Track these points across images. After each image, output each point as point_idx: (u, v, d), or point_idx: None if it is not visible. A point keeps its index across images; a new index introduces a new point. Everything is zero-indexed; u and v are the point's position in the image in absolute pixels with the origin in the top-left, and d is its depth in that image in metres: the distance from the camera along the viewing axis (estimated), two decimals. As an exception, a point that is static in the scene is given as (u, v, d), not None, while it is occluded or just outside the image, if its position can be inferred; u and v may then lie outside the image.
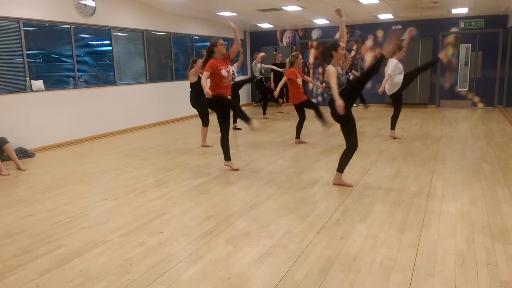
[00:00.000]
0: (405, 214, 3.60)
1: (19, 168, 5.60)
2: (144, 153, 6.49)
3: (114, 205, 4.06)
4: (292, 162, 5.63)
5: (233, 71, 7.43)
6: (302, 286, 2.47)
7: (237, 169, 5.23)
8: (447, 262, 2.71)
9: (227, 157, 5.27)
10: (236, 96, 7.72)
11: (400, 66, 6.71)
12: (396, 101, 6.96)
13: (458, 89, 11.40)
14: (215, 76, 4.94)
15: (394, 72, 6.64)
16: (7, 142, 5.72)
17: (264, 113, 10.14)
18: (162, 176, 5.06)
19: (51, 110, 7.19)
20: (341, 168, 4.42)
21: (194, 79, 6.68)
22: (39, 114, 6.97)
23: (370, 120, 9.41)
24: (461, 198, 4.00)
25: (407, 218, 3.51)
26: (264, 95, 10.24)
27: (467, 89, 11.31)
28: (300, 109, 6.76)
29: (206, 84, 4.85)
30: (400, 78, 6.69)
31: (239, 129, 8.40)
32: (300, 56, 6.77)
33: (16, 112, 6.62)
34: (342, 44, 4.18)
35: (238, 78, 8.54)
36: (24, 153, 6.40)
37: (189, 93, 6.81)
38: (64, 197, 4.37)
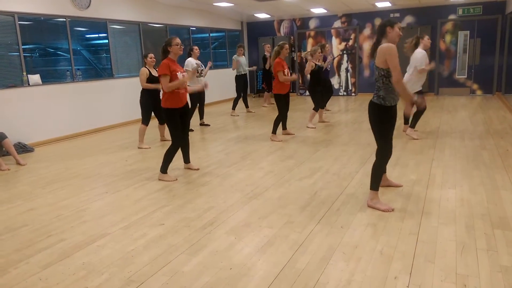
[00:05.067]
0: (405, 202, 3.61)
1: (18, 163, 5.59)
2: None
3: (115, 198, 4.07)
4: (292, 152, 5.63)
5: (196, 63, 7.26)
6: (303, 275, 2.48)
7: (194, 169, 4.94)
8: (448, 249, 2.73)
9: (166, 169, 4.63)
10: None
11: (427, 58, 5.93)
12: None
13: (457, 76, 11.37)
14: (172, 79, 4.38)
15: (422, 65, 5.81)
16: (6, 137, 5.71)
17: (247, 106, 9.81)
18: (162, 169, 5.06)
19: (49, 104, 7.16)
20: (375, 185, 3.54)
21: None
22: (37, 108, 6.95)
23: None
24: (460, 185, 4.01)
25: (407, 206, 3.52)
26: (244, 90, 9.67)
27: (465, 76, 11.29)
28: (280, 100, 6.36)
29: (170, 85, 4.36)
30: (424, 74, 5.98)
31: (208, 125, 8.18)
32: (287, 45, 6.26)
33: (13, 107, 6.59)
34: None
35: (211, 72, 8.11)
36: (23, 148, 6.39)
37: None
38: (65, 191, 4.37)
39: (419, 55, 5.84)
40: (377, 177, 3.52)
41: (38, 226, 3.44)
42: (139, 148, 6.38)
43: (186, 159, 4.99)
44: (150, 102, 6.28)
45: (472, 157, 4.98)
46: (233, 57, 9.58)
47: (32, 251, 2.97)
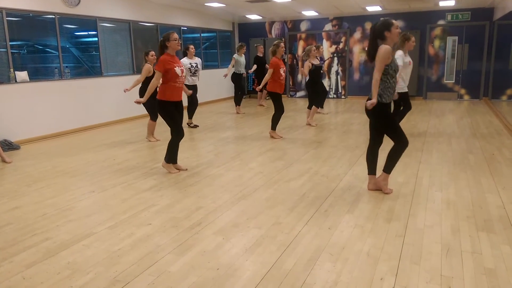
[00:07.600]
0: (392, 204, 3.64)
1: (4, 161, 5.51)
2: (132, 145, 6.43)
3: (102, 197, 4.03)
4: (281, 153, 5.64)
5: (195, 63, 7.43)
6: (290, 276, 2.48)
7: (182, 170, 4.92)
8: (433, 251, 2.76)
9: (173, 159, 4.83)
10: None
11: (407, 59, 6.02)
12: (405, 101, 6.17)
13: (445, 81, 11.51)
14: (168, 74, 4.47)
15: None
16: (-9, 134, 5.62)
17: (238, 104, 9.91)
18: (150, 168, 5.03)
19: (36, 102, 7.07)
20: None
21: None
22: (24, 105, 6.85)
23: (357, 112, 9.46)
24: (447, 188, 4.06)
25: (394, 208, 3.55)
26: (242, 89, 10.03)
27: (453, 81, 11.43)
28: (277, 99, 6.54)
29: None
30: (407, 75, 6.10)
31: (196, 126, 8.00)
32: (282, 44, 6.48)
33: (0, 104, 6.49)
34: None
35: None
36: (9, 146, 6.30)
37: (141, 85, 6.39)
38: (51, 189, 4.32)
39: (396, 55, 5.75)
40: (393, 162, 3.87)
41: (22, 224, 3.39)
42: (147, 139, 6.70)
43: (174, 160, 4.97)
44: (150, 97, 6.25)
45: (459, 161, 5.04)
46: (233, 56, 9.81)
47: (16, 250, 2.93)
